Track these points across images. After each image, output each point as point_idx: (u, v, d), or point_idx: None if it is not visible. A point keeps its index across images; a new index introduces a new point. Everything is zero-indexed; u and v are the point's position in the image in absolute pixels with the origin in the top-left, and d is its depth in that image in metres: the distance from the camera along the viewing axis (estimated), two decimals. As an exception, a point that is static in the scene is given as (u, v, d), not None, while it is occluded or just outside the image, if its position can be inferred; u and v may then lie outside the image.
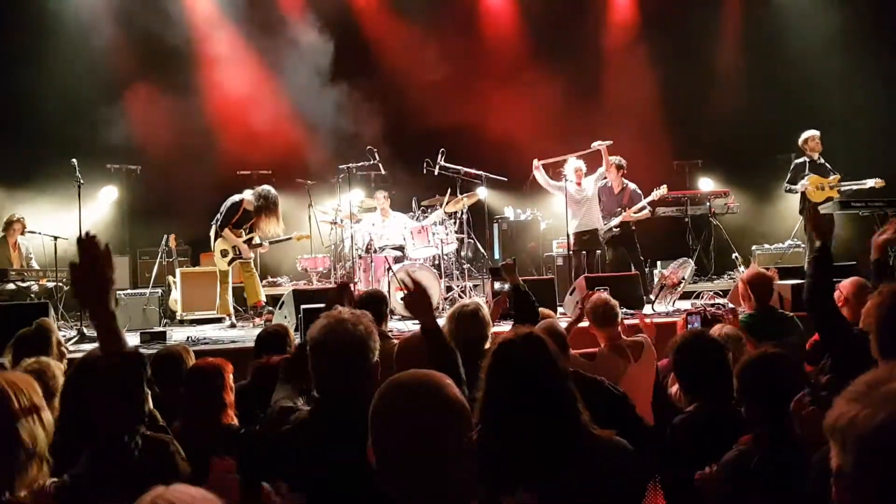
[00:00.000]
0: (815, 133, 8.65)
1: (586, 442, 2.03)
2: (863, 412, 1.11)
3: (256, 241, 8.02)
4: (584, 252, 8.51)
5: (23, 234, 8.43)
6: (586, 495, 1.93)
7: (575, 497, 1.91)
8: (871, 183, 8.43)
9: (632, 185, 8.66)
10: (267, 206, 7.69)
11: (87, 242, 1.94)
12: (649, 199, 8.55)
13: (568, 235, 8.14)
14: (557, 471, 1.94)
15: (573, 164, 8.42)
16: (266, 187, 7.87)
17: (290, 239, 8.48)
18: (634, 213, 8.48)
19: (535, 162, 8.36)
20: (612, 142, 8.32)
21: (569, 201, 8.14)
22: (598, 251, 8.61)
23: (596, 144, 8.31)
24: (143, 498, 1.31)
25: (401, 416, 1.48)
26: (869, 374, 1.17)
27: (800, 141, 8.70)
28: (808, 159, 8.61)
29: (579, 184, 8.43)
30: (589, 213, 8.44)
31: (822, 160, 8.61)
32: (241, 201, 7.86)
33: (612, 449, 2.06)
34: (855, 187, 8.47)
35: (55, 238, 7.74)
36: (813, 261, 3.30)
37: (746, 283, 4.56)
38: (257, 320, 7.88)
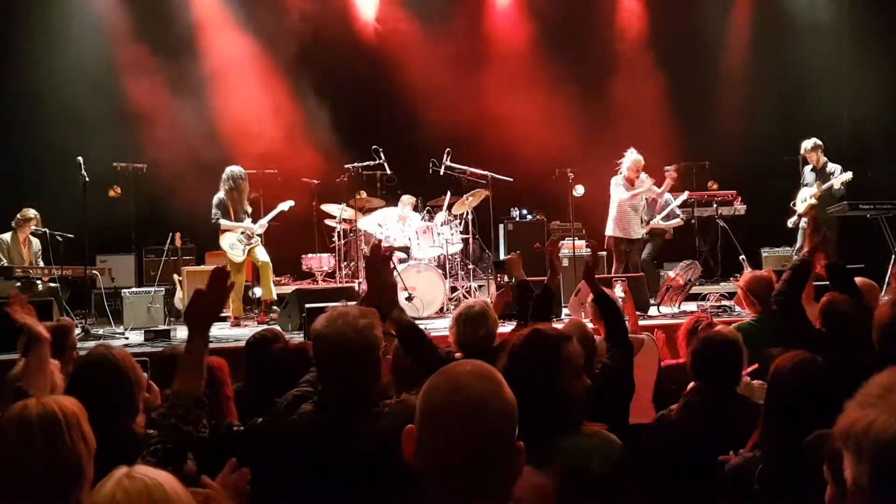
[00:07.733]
0: (805, 144, 8.66)
1: (573, 433, 2.01)
2: (880, 418, 1.01)
3: (258, 228, 7.96)
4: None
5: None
6: (572, 486, 1.91)
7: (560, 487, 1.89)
8: (841, 179, 8.31)
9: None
10: (235, 187, 7.78)
11: (220, 274, 2.07)
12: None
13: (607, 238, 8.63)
14: (543, 459, 1.92)
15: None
16: (227, 169, 7.92)
17: (282, 211, 8.29)
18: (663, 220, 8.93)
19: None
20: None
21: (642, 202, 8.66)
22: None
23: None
24: (106, 479, 1.26)
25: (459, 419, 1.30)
26: (883, 376, 1.07)
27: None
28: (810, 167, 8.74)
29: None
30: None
31: (823, 166, 8.61)
32: (221, 194, 7.87)
33: (599, 443, 2.04)
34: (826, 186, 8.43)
35: (61, 236, 7.72)
36: (795, 268, 3.27)
37: (745, 289, 4.44)
38: (262, 318, 7.87)
